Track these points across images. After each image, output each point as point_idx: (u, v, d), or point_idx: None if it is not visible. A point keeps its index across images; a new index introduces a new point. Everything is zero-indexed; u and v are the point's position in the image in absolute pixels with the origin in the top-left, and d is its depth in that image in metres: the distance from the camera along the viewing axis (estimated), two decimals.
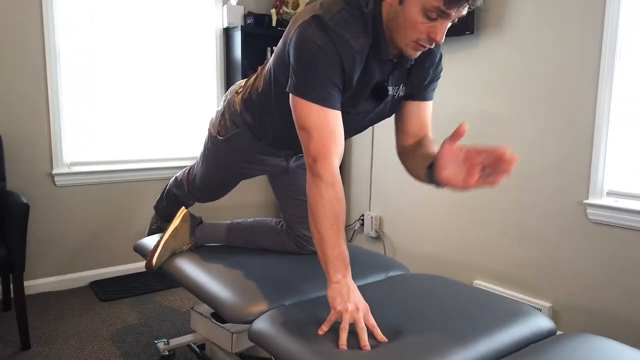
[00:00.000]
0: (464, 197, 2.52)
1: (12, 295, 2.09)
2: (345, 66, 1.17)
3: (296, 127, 1.23)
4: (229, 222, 1.84)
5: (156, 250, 1.71)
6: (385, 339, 1.11)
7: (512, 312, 1.28)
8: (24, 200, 2.03)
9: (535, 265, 2.23)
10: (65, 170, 2.72)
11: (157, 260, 1.70)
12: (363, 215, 3.12)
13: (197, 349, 1.94)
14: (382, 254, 1.83)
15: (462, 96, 2.49)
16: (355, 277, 1.52)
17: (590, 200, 1.99)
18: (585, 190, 2.02)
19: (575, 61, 2.02)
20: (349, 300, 1.14)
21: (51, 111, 2.63)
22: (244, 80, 1.55)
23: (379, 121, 1.41)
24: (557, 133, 2.11)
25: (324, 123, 1.18)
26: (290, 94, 1.22)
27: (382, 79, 1.27)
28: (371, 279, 1.55)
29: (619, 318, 1.95)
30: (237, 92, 1.53)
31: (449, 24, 1.14)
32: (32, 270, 2.69)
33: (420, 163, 1.25)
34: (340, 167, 1.24)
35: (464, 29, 2.33)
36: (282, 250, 1.74)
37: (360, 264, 1.61)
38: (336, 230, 1.18)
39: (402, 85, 1.32)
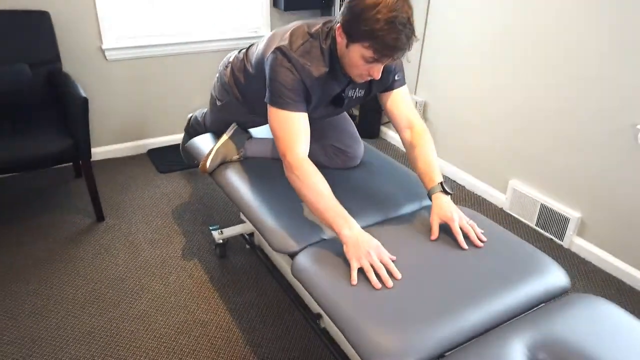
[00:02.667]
0: (515, 97, 2.44)
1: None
2: (308, 86, 1.46)
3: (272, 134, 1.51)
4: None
5: (209, 155, 1.86)
6: (399, 275, 1.28)
7: (531, 264, 1.38)
8: (83, 94, 2.13)
9: (573, 176, 2.25)
10: (114, 44, 2.75)
11: (210, 163, 1.86)
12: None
13: (247, 238, 2.21)
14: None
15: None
16: (390, 209, 1.66)
17: None
18: None
19: None
20: (361, 248, 1.30)
21: None
22: (233, 54, 1.85)
23: (346, 110, 1.75)
24: (625, 49, 1.93)
25: (289, 126, 1.45)
26: (268, 103, 1.49)
27: (340, 91, 1.57)
28: (406, 209, 1.65)
29: None
30: (226, 67, 1.83)
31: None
32: (93, 139, 2.92)
33: (416, 169, 1.59)
34: None
35: None
36: (315, 162, 1.85)
37: (399, 191, 1.71)
38: (322, 197, 1.38)
39: (358, 88, 1.61)
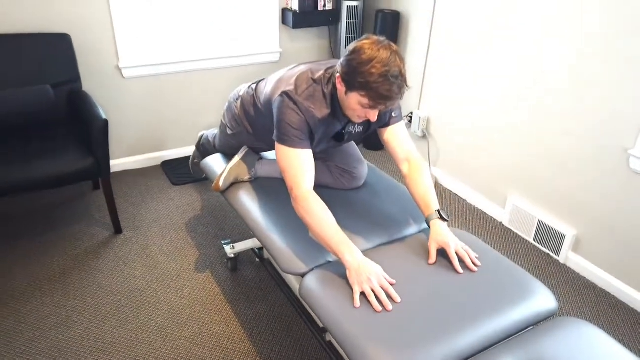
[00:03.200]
0: (513, 116, 2.54)
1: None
2: (311, 126, 1.61)
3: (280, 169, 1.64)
4: None
5: (222, 175, 1.98)
6: (398, 299, 1.40)
7: (522, 288, 1.49)
8: (103, 116, 2.26)
9: (569, 194, 2.35)
10: (131, 63, 2.88)
11: (223, 183, 1.98)
12: (412, 113, 3.19)
13: (257, 252, 2.33)
14: None
15: (528, 18, 2.33)
16: (391, 231, 1.77)
17: (635, 152, 2.01)
18: (633, 140, 2.03)
19: None
20: (362, 274, 1.42)
21: (112, 7, 2.68)
22: (243, 89, 1.98)
23: (346, 144, 1.93)
24: (619, 71, 2.02)
25: (295, 161, 1.59)
26: (275, 141, 1.64)
27: (341, 129, 1.73)
28: (406, 232, 1.76)
29: (638, 250, 2.13)
30: (236, 99, 1.98)
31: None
32: (110, 152, 3.06)
33: (414, 198, 1.71)
34: None
35: None
36: (323, 183, 1.97)
37: (400, 213, 1.82)
38: (327, 225, 1.50)
39: (357, 125, 1.76)
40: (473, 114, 2.79)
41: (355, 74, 1.46)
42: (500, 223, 2.75)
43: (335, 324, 1.38)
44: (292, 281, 2.02)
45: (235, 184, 2.01)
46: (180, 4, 2.92)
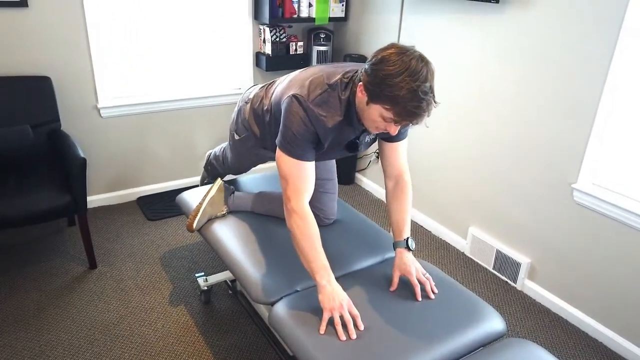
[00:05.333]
0: (471, 153, 2.73)
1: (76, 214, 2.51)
2: (320, 135, 1.55)
3: (278, 171, 1.58)
4: (256, 193, 2.16)
5: (196, 215, 2.06)
6: (362, 327, 1.49)
7: (474, 312, 1.62)
8: (81, 154, 2.35)
9: (522, 225, 2.52)
10: (109, 103, 2.99)
11: (197, 224, 2.06)
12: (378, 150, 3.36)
13: (230, 284, 2.41)
14: (383, 229, 2.13)
15: (479, 58, 2.55)
16: (354, 261, 1.88)
17: (578, 186, 2.20)
18: (575, 174, 2.22)
19: (591, 44, 2.07)
20: (334, 300, 1.50)
21: (92, 50, 2.82)
22: (253, 91, 1.91)
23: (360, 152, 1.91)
24: (562, 112, 2.23)
25: (298, 173, 1.54)
26: (277, 146, 1.57)
27: (355, 137, 1.65)
28: (369, 262, 1.89)
29: (587, 279, 2.30)
30: (246, 102, 1.91)
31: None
32: (87, 189, 3.12)
33: (390, 219, 1.76)
34: None
35: None
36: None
37: (363, 243, 1.95)
38: (313, 248, 1.52)
39: (371, 133, 1.67)
40: (434, 151, 2.98)
41: (382, 86, 1.35)
42: (462, 253, 2.90)
43: (303, 352, 1.47)
44: (263, 311, 2.11)
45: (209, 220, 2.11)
46: (158, 47, 3.07)
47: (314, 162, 1.58)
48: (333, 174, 2.07)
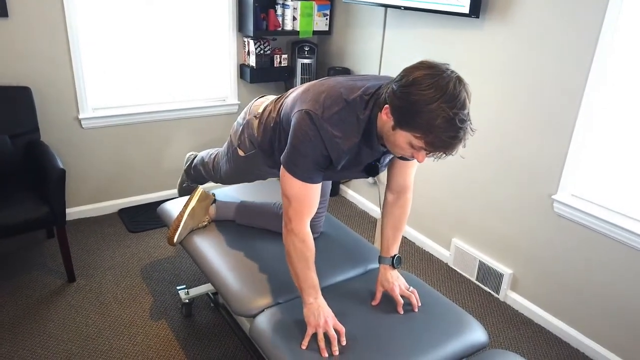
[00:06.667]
0: (455, 170, 2.76)
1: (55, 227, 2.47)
2: (332, 157, 1.41)
3: (280, 191, 1.49)
4: (239, 202, 2.14)
5: (176, 229, 2.02)
6: (344, 343, 1.47)
7: (457, 324, 1.62)
8: (60, 165, 2.32)
9: (505, 237, 2.54)
10: (90, 114, 2.96)
11: (177, 238, 2.03)
12: None
13: (212, 297, 2.38)
14: (367, 241, 2.13)
15: (459, 72, 2.59)
16: (337, 273, 1.87)
17: (557, 197, 2.23)
18: (555, 186, 2.25)
19: (569, 60, 2.11)
20: (320, 317, 1.49)
21: (73, 61, 2.79)
22: (262, 104, 1.75)
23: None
24: (541, 126, 2.27)
25: (302, 195, 1.44)
26: (282, 164, 1.46)
27: (374, 160, 1.50)
28: (352, 273, 1.88)
29: (568, 290, 2.32)
30: (255, 117, 1.73)
31: None
32: (67, 200, 3.07)
33: (382, 232, 1.72)
34: None
35: (472, 11, 2.36)
36: (280, 231, 2.06)
37: (346, 255, 1.94)
38: (307, 268, 1.50)
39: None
40: (418, 165, 2.99)
41: (413, 112, 1.18)
42: (446, 264, 2.91)
43: None
44: (245, 323, 2.08)
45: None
46: (141, 58, 3.06)
47: (320, 185, 1.47)
48: (327, 194, 2.02)
